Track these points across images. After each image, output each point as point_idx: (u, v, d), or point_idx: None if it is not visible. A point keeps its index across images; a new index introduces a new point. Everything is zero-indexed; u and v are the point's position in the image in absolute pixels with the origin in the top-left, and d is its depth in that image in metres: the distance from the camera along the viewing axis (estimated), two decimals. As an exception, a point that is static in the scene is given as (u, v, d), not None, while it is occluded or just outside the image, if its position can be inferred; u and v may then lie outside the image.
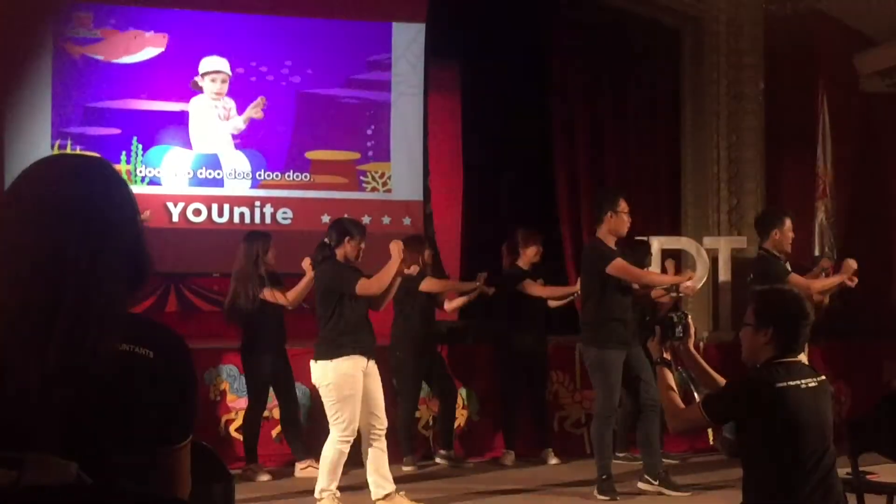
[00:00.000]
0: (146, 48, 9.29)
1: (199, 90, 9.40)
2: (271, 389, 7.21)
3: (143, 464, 1.66)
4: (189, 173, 9.36)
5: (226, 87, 9.44)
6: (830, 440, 3.52)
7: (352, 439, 5.95)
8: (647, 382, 6.59)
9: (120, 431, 1.62)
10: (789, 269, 7.07)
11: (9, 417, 1.56)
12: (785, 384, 3.43)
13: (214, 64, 9.40)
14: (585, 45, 10.34)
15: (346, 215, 7.22)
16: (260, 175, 9.53)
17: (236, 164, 9.47)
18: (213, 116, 9.42)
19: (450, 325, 8.58)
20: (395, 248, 6.06)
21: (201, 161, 9.40)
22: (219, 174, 9.44)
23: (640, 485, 6.68)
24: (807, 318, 3.55)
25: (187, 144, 9.36)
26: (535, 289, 7.77)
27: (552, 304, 8.03)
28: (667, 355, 3.79)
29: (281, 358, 7.17)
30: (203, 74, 9.37)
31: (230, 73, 9.44)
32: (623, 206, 6.61)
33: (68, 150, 8.73)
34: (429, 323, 7.67)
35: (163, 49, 9.32)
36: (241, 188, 9.48)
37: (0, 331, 1.59)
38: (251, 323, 7.08)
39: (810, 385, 3.49)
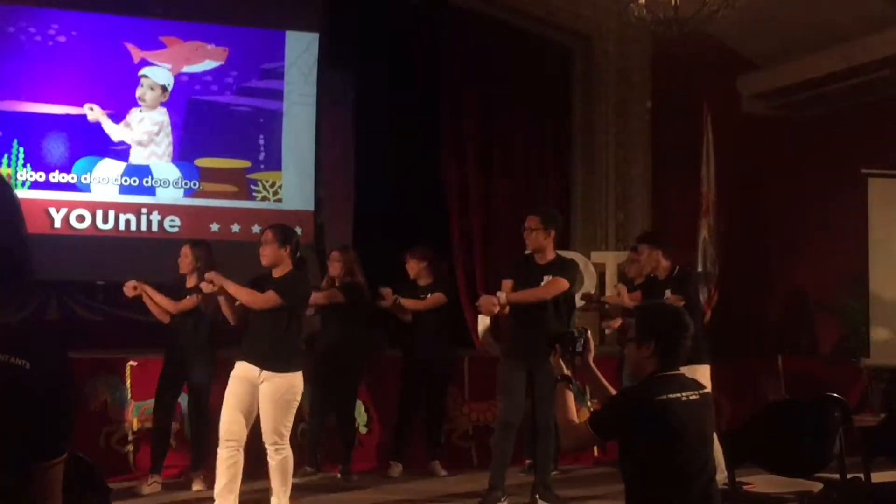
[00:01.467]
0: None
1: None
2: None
3: (15, 482, 1.60)
4: (85, 178, 9.12)
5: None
6: (711, 452, 3.60)
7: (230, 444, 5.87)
8: (541, 404, 6.61)
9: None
10: None
11: None
12: (665, 397, 3.49)
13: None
14: (477, 62, 10.42)
15: (235, 225, 7.15)
16: (147, 182, 9.32)
17: (112, 170, 9.26)
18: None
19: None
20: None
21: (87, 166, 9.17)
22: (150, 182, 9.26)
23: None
24: (686, 331, 3.61)
25: (82, 151, 9.12)
26: (398, 304, 7.80)
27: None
28: (567, 371, 3.82)
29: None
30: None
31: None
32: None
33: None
34: (344, 334, 7.59)
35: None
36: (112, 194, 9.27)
37: None
38: (182, 331, 7.01)
39: (691, 398, 3.54)
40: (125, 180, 9.23)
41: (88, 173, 9.13)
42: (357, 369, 7.69)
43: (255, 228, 8.90)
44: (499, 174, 10.42)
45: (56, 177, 9.03)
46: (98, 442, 7.12)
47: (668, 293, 6.95)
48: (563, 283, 6.54)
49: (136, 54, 9.31)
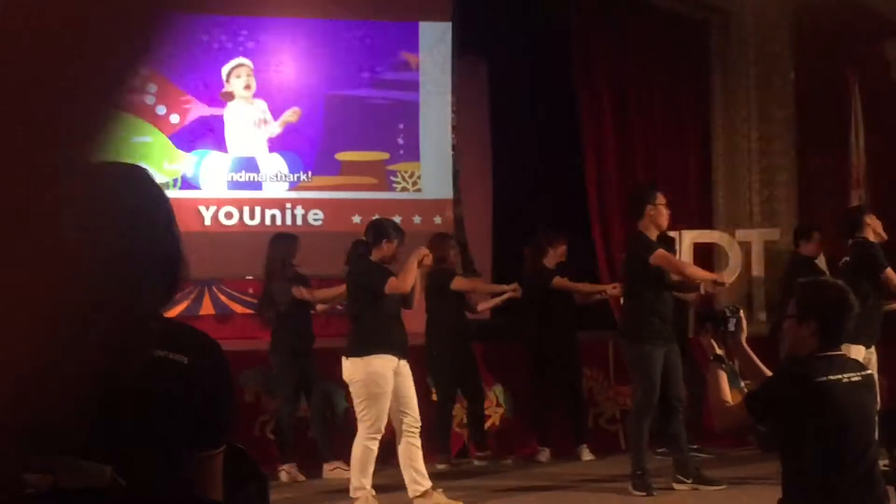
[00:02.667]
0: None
1: (231, 97, 9.45)
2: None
3: (178, 469, 1.67)
4: (229, 177, 9.42)
5: (253, 80, 9.47)
6: (874, 435, 3.46)
7: (378, 437, 5.97)
8: (675, 381, 6.57)
9: (154, 437, 1.63)
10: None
11: (45, 422, 1.57)
12: (825, 378, 3.38)
13: (234, 61, 9.45)
14: (612, 40, 10.29)
15: (377, 215, 7.25)
16: (294, 177, 9.57)
17: (273, 166, 9.52)
18: (249, 121, 9.46)
19: (482, 323, 8.57)
20: (417, 251, 6.15)
21: (239, 164, 9.45)
22: (256, 177, 9.49)
23: (675, 485, 6.65)
24: (850, 311, 3.49)
25: (223, 149, 9.41)
26: (565, 284, 7.77)
27: (580, 300, 8.01)
28: (720, 351, 3.74)
29: (308, 358, 7.20)
30: (227, 77, 9.41)
31: (252, 65, 9.47)
32: (661, 198, 6.65)
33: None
34: (461, 321, 7.67)
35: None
36: (279, 190, 9.52)
37: (40, 335, 1.60)
38: (279, 323, 7.12)
39: (853, 379, 3.42)
40: (243, 176, 9.49)
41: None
42: (444, 357, 7.60)
43: (397, 219, 8.99)
44: (638, 153, 10.27)
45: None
46: (252, 432, 7.35)
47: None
48: None
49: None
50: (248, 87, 9.45)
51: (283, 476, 7.03)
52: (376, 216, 7.13)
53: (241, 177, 9.45)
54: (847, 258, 6.88)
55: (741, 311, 3.84)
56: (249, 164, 9.49)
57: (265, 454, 7.12)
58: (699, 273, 7.18)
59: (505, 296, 7.83)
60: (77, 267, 1.63)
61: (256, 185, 9.49)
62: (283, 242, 7.25)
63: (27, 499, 1.55)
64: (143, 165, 1.88)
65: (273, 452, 7.24)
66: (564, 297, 7.80)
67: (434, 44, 9.85)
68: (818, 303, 3.52)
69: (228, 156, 9.44)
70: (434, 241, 7.46)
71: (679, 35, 10.32)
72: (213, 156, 9.40)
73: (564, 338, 7.79)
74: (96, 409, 1.57)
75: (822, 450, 3.39)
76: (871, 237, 6.86)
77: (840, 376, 3.41)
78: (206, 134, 9.37)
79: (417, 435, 6.08)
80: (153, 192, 1.80)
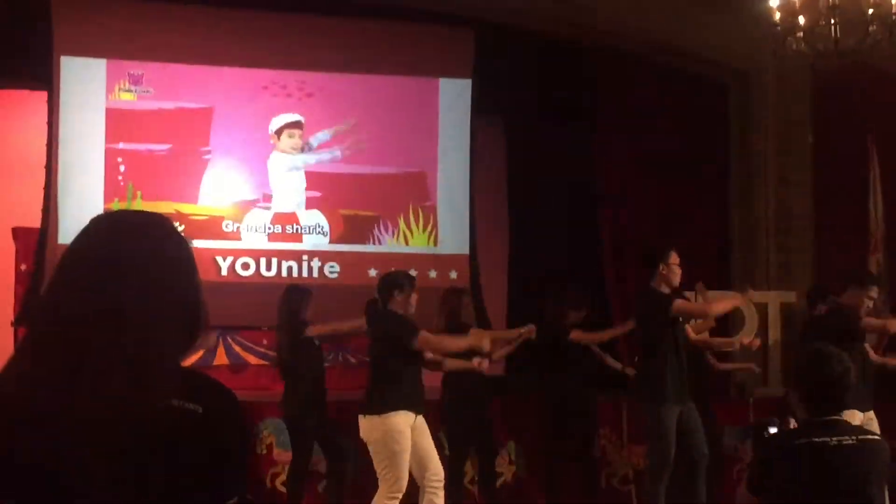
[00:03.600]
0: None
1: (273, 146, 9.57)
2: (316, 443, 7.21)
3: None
4: (268, 229, 9.51)
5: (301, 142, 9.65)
6: (873, 498, 3.39)
7: (399, 496, 5.91)
8: (697, 438, 6.50)
9: (166, 487, 1.62)
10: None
11: (53, 468, 1.57)
12: (807, 440, 3.34)
13: (290, 117, 9.58)
14: (632, 100, 10.34)
15: (392, 269, 7.27)
16: (292, 229, 9.63)
17: (311, 219, 9.61)
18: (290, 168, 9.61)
19: (497, 379, 8.53)
20: (486, 341, 6.22)
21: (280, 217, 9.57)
22: (297, 229, 9.59)
23: None
24: (830, 379, 3.40)
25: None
26: (583, 336, 7.71)
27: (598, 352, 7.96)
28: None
29: (322, 410, 7.16)
30: (278, 131, 9.53)
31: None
32: (674, 258, 6.63)
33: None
34: (478, 376, 7.61)
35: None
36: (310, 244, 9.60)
37: (57, 383, 1.61)
38: (291, 375, 7.11)
39: (844, 442, 3.35)
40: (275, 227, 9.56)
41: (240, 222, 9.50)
42: (460, 412, 7.56)
43: (412, 272, 9.02)
44: (656, 213, 10.26)
45: (222, 226, 9.41)
46: (264, 483, 7.31)
47: None
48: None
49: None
50: (294, 147, 9.59)
51: None
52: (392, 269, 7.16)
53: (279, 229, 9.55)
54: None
55: (789, 421, 3.81)
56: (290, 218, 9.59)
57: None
58: (722, 306, 7.13)
59: (520, 338, 7.75)
60: (82, 319, 1.65)
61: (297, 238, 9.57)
62: (293, 294, 7.26)
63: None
64: (160, 214, 1.90)
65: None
66: (582, 350, 7.76)
67: (453, 100, 9.93)
68: (798, 370, 3.51)
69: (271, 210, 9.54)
70: (448, 295, 7.47)
71: (699, 97, 10.37)
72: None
73: (582, 393, 7.73)
74: (107, 457, 1.57)
75: None
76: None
77: (827, 439, 3.34)
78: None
79: (441, 490, 6.02)
80: (174, 239, 1.81)
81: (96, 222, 1.82)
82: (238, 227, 9.42)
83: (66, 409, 1.58)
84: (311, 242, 9.61)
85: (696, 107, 10.36)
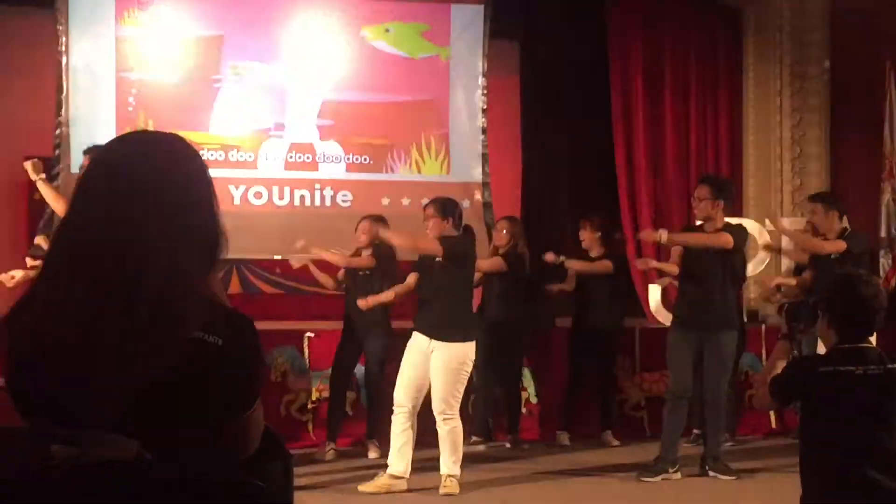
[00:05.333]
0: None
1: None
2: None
3: (206, 442, 1.67)
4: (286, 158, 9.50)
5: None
6: (888, 433, 3.37)
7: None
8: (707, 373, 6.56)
9: (185, 414, 1.63)
10: None
11: (75, 396, 1.59)
12: (831, 368, 3.35)
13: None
14: (647, 26, 10.21)
15: (405, 199, 7.28)
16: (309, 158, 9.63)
17: (327, 149, 9.58)
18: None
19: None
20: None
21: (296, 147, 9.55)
22: (313, 158, 9.57)
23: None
24: (858, 301, 3.42)
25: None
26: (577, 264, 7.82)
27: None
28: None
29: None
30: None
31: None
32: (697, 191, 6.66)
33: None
34: (507, 304, 7.62)
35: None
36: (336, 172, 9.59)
37: (82, 313, 1.61)
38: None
39: (869, 372, 3.34)
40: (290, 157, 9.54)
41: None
42: (520, 340, 7.71)
43: (424, 201, 9.00)
44: (669, 140, 10.19)
45: (234, 155, 9.39)
46: (279, 411, 7.40)
47: None
48: (727, 238, 6.45)
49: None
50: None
51: (330, 454, 7.10)
52: (404, 200, 7.17)
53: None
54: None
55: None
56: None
57: (291, 433, 7.18)
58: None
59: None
60: (104, 247, 1.63)
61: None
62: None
63: (53, 470, 1.57)
64: (175, 133, 1.85)
65: (299, 431, 7.30)
66: (608, 279, 7.78)
67: (465, 26, 9.81)
68: (828, 296, 3.51)
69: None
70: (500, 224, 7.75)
71: (714, 22, 10.24)
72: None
73: (605, 320, 7.77)
74: (129, 386, 1.58)
75: (821, 441, 3.38)
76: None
77: (853, 367, 3.34)
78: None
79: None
80: (196, 164, 1.77)
81: (113, 145, 1.79)
82: (254, 156, 9.40)
83: (92, 341, 1.58)
84: (327, 171, 9.58)
85: (712, 31, 10.23)
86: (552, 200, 10.15)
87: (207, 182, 1.77)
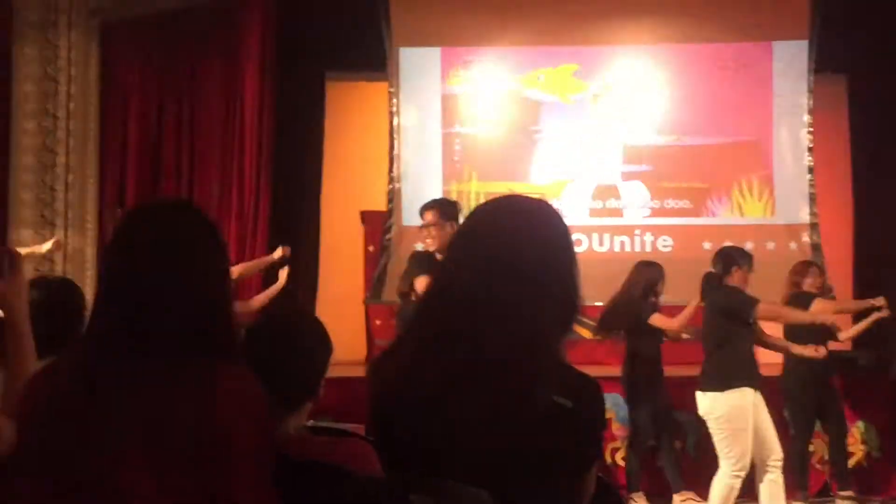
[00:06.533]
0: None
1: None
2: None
3: (552, 493, 1.71)
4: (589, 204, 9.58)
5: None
6: None
7: (743, 474, 5.78)
8: None
9: (534, 472, 1.68)
10: None
11: (435, 450, 1.68)
12: None
13: None
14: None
15: (727, 242, 7.08)
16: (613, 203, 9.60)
17: (631, 193, 9.58)
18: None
19: (843, 355, 8.09)
20: (830, 313, 6.37)
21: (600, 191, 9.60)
22: (616, 203, 9.59)
23: None
24: None
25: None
26: None
27: None
28: None
29: (661, 388, 7.11)
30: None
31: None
32: None
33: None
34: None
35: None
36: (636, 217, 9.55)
37: (447, 371, 1.69)
38: (633, 351, 7.10)
39: None
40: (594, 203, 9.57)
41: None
42: (801, 389, 7.15)
43: (749, 245, 8.73)
44: None
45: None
46: (604, 457, 7.38)
47: None
48: None
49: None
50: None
51: None
52: (726, 243, 6.98)
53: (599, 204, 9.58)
54: None
55: None
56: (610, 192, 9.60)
57: (614, 481, 7.14)
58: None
59: (872, 317, 7.32)
60: (476, 316, 1.70)
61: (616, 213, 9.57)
62: (647, 269, 7.24)
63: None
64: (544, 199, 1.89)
65: (621, 479, 7.24)
66: None
67: (789, 63, 9.49)
68: None
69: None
70: (795, 269, 7.23)
71: None
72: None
73: None
74: (486, 442, 1.65)
75: None
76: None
77: None
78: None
79: (780, 471, 5.85)
80: (558, 229, 1.81)
81: (483, 209, 1.85)
82: (560, 204, 9.51)
83: (456, 399, 1.66)
84: (631, 216, 9.54)
85: None
86: (887, 239, 9.50)
87: (569, 247, 1.80)
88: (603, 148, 9.61)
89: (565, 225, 1.83)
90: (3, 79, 8.05)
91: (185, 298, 1.79)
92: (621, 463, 7.41)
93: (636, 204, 9.55)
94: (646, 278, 7.04)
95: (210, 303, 1.82)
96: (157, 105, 8.93)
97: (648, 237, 9.50)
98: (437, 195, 9.00)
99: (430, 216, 5.67)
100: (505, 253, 1.73)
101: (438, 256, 5.61)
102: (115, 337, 1.78)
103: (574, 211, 9.49)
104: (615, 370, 7.39)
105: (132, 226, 1.91)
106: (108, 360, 1.76)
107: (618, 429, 7.50)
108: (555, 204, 9.30)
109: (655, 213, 9.56)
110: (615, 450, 7.50)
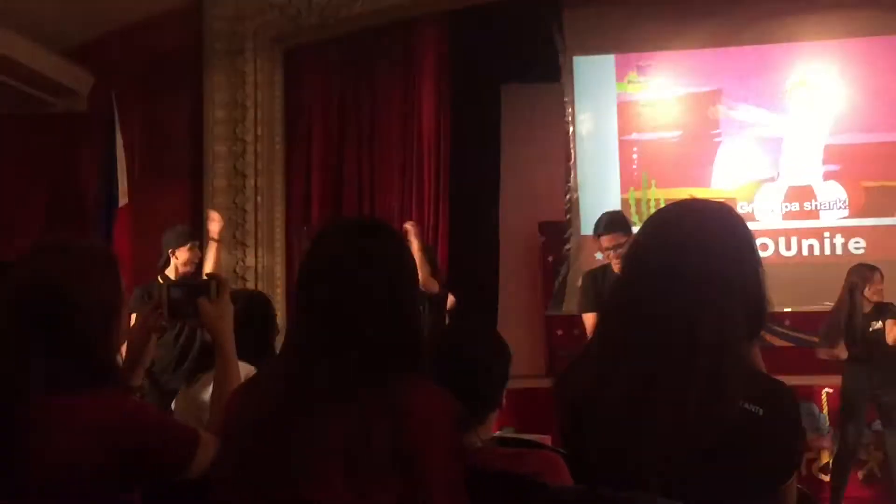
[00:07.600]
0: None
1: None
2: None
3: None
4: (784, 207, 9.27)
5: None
6: None
7: None
8: None
9: (726, 482, 1.64)
10: None
11: (625, 460, 1.66)
12: None
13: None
14: None
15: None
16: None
17: (829, 194, 9.23)
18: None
19: None
20: None
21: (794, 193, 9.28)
22: (813, 205, 9.25)
23: None
24: None
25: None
26: None
27: None
28: None
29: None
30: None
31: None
32: None
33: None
34: None
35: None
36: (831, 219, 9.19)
37: (638, 380, 1.68)
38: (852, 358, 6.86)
39: None
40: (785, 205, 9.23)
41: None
42: None
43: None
44: None
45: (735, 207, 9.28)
46: (800, 469, 7.11)
47: None
48: None
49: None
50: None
51: None
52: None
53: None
54: None
55: None
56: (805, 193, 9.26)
57: (814, 494, 6.87)
58: None
59: None
60: (656, 329, 1.67)
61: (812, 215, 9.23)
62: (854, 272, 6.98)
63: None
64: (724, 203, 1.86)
65: (823, 492, 6.97)
66: None
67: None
68: None
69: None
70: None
71: None
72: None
73: None
74: (678, 454, 1.61)
75: None
76: None
77: None
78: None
79: None
80: (742, 232, 1.80)
81: (661, 216, 1.85)
82: (752, 208, 9.24)
83: (646, 408, 1.65)
84: (828, 218, 9.16)
85: None
86: None
87: (754, 251, 1.77)
88: (799, 147, 9.27)
89: (748, 228, 1.80)
90: (195, 107, 8.47)
91: (381, 314, 1.82)
92: (819, 475, 7.13)
93: (834, 205, 9.16)
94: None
95: (403, 318, 1.85)
96: (338, 124, 9.17)
97: (839, 239, 9.11)
98: (616, 204, 8.94)
99: (614, 239, 5.67)
100: (686, 259, 1.71)
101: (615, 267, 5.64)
102: (314, 352, 1.83)
103: (768, 215, 9.20)
104: (807, 378, 7.13)
105: (328, 242, 1.96)
106: (307, 376, 1.81)
107: (813, 439, 7.23)
108: (747, 208, 9.13)
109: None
110: (811, 460, 7.22)
